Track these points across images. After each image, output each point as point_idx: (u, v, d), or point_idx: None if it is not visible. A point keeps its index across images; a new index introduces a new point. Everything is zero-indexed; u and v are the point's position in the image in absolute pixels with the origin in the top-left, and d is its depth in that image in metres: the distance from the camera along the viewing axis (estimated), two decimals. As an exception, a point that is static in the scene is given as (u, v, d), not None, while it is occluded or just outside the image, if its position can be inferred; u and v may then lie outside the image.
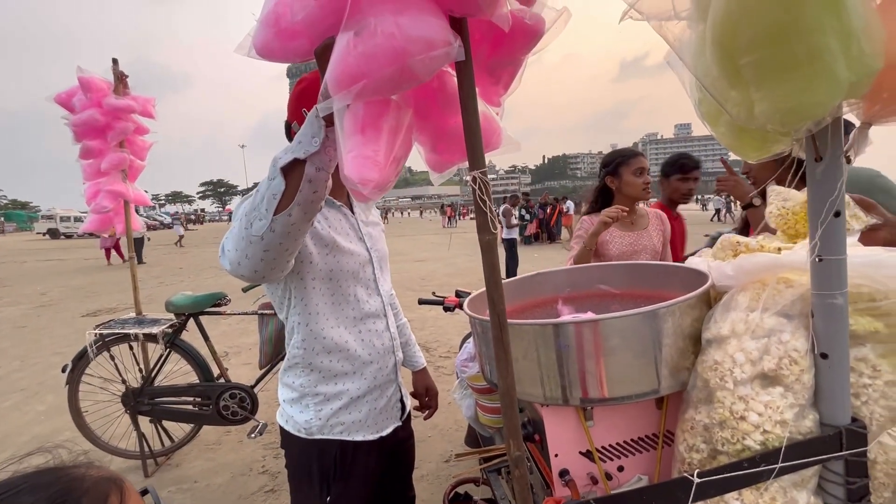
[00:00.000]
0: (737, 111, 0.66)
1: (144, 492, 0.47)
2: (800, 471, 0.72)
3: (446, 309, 2.18)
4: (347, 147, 0.67)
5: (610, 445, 0.94)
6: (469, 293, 1.97)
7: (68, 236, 32.11)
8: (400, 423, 1.30)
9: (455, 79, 0.74)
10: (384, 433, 1.23)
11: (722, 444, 0.75)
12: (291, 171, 0.79)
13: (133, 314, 2.89)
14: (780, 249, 0.85)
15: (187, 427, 2.88)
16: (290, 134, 1.15)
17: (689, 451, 0.80)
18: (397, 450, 1.32)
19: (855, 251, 0.73)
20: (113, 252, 13.47)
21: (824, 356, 0.71)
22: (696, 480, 0.69)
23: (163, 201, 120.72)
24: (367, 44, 0.59)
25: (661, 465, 0.93)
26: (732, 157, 1.82)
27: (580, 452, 0.93)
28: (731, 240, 0.95)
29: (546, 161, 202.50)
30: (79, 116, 2.54)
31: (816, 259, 0.69)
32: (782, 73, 0.57)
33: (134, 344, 2.67)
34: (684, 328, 0.84)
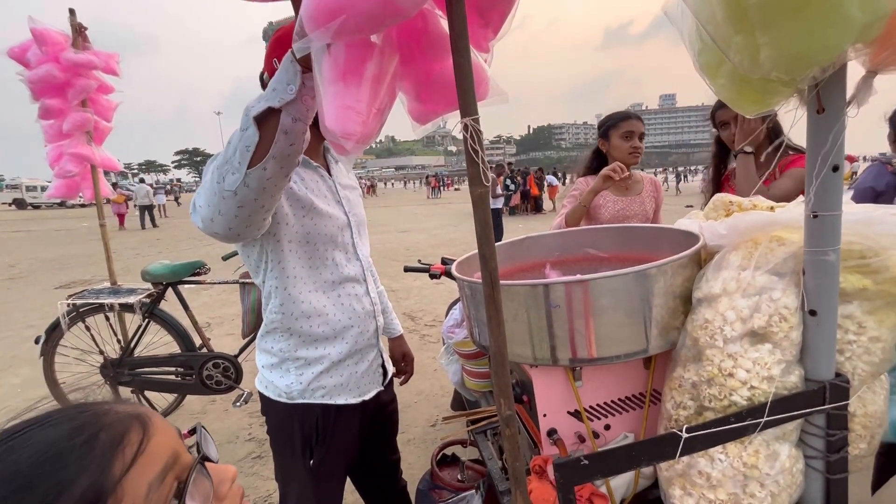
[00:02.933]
0: (740, 58, 0.63)
1: (194, 430, 0.46)
2: (782, 424, 0.73)
3: (432, 276, 2.16)
4: (328, 95, 0.62)
5: (598, 405, 0.94)
6: (455, 260, 1.95)
7: (36, 207, 30.84)
8: (382, 388, 1.29)
9: (440, 20, 0.69)
10: (366, 397, 1.23)
11: (709, 400, 0.76)
12: (265, 121, 0.73)
13: (108, 284, 2.80)
14: (773, 208, 0.84)
15: (171, 397, 2.85)
16: (264, 86, 1.08)
17: (676, 409, 0.81)
18: (380, 413, 1.32)
19: (849, 208, 0.73)
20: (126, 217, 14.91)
21: (813, 313, 0.72)
22: (685, 435, 0.70)
23: (136, 171, 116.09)
24: (346, -26, 0.53)
25: (647, 423, 0.95)
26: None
27: (568, 412, 0.94)
28: (723, 199, 0.93)
29: (531, 131, 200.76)
30: (35, 72, 2.36)
31: (811, 215, 0.68)
32: (792, 13, 0.54)
33: (110, 314, 2.59)
34: (675, 288, 0.84)
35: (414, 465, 2.26)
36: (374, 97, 0.62)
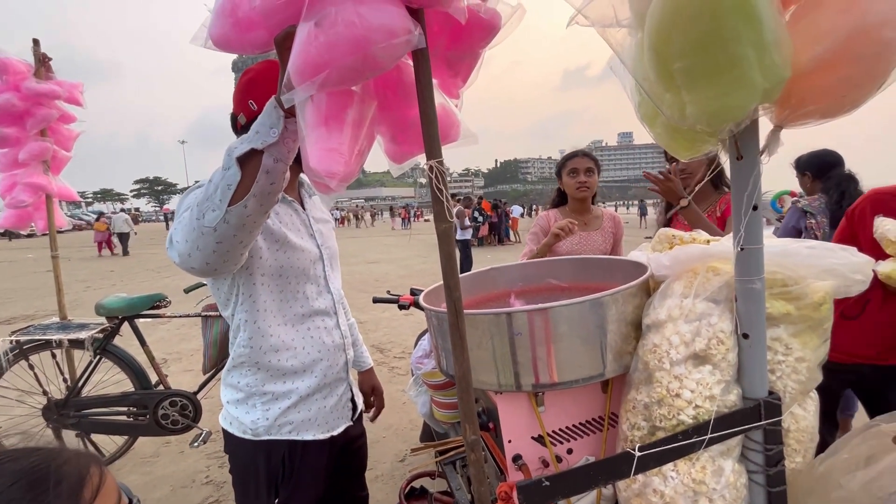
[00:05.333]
0: (671, 112, 0.72)
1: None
2: (726, 441, 0.79)
3: (401, 307, 2.18)
4: (311, 139, 0.66)
5: (560, 429, 0.98)
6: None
7: (-26, 237, 28.78)
8: (351, 423, 1.28)
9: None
10: (335, 432, 1.22)
11: (660, 420, 0.81)
12: (248, 161, 0.77)
13: (56, 319, 2.65)
14: (708, 241, 0.94)
15: (120, 440, 2.67)
16: (236, 126, 1.11)
17: (631, 430, 0.86)
18: (348, 449, 1.30)
19: (770, 241, 0.82)
20: (106, 244, 15.74)
21: (746, 336, 0.79)
22: (637, 454, 0.74)
23: (90, 199, 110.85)
24: (329, 33, 0.59)
25: (606, 445, 0.99)
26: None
27: (532, 437, 0.97)
28: (667, 233, 1.03)
29: (498, 165, 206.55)
30: (-8, 101, 2.30)
31: (739, 248, 0.77)
32: (708, 77, 0.64)
33: (57, 352, 2.44)
34: (626, 315, 0.90)
35: (382, 503, 2.20)
36: (354, 140, 0.67)
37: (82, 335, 2.38)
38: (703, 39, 0.60)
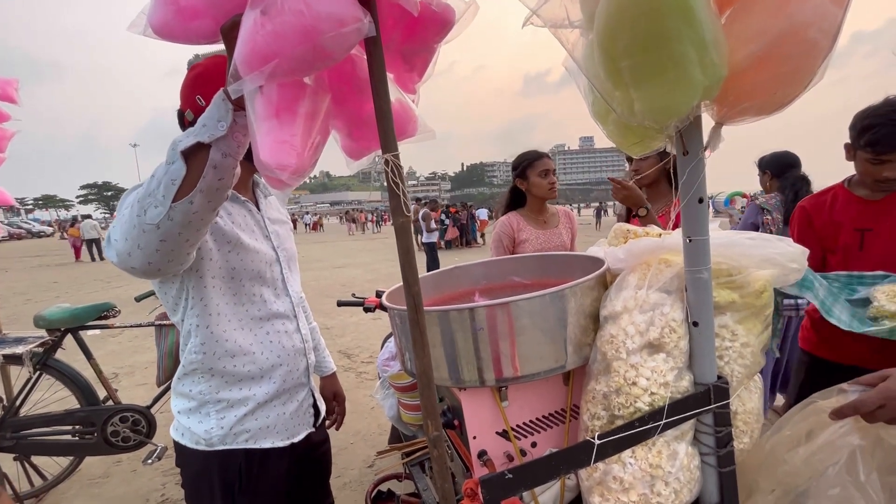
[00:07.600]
0: (621, 109, 0.75)
1: None
2: (679, 425, 0.82)
3: (366, 310, 2.15)
4: (262, 131, 0.64)
5: (524, 423, 0.99)
6: (389, 292, 1.96)
7: None
8: (313, 429, 1.25)
9: (369, 64, 0.75)
10: (296, 439, 1.18)
11: (618, 408, 0.84)
12: (194, 155, 0.73)
13: (-10, 334, 2.45)
14: (660, 235, 0.97)
15: (65, 461, 2.49)
16: (183, 123, 1.07)
17: (591, 420, 0.88)
18: (311, 455, 1.27)
19: (715, 234, 0.86)
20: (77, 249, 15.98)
21: (696, 324, 0.83)
22: (597, 442, 0.76)
23: (30, 206, 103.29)
24: (275, 22, 0.57)
25: (569, 437, 1.01)
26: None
27: (497, 433, 0.98)
28: (622, 228, 1.06)
29: (465, 168, 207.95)
30: (-89, 98, 2.11)
31: (687, 240, 0.81)
32: (653, 75, 0.66)
33: (-9, 369, 2.26)
34: (585, 307, 0.92)
35: (350, 511, 2.15)
36: (307, 133, 0.66)
37: (19, 350, 2.21)
38: (647, 38, 0.63)
